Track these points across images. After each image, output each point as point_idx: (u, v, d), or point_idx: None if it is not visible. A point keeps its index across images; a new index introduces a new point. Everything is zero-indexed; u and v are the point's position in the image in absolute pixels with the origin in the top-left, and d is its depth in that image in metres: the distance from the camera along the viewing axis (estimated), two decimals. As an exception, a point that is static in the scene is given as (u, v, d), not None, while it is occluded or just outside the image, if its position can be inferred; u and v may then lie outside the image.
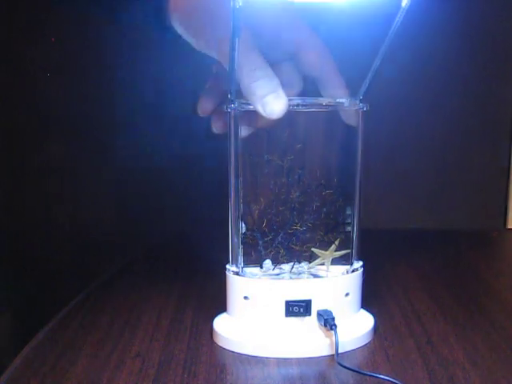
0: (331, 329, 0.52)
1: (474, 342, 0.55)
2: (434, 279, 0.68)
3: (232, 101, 0.52)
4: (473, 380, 0.49)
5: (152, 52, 0.94)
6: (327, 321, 0.52)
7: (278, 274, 0.56)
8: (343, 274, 0.56)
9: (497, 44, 0.95)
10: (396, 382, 0.46)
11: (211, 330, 0.56)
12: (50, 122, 0.98)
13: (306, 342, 0.53)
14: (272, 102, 0.47)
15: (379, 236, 0.82)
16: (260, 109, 0.48)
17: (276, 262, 0.56)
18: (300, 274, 0.56)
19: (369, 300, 0.63)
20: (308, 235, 0.55)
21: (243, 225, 0.55)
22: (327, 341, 0.53)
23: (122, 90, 0.96)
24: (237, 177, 0.54)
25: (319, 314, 0.53)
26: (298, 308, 0.53)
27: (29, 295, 1.05)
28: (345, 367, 0.49)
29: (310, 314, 0.54)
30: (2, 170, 1.00)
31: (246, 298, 0.54)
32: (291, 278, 0.55)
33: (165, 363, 0.52)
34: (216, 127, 0.56)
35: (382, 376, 0.47)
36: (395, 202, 1.01)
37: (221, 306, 0.57)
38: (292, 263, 0.56)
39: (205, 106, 0.56)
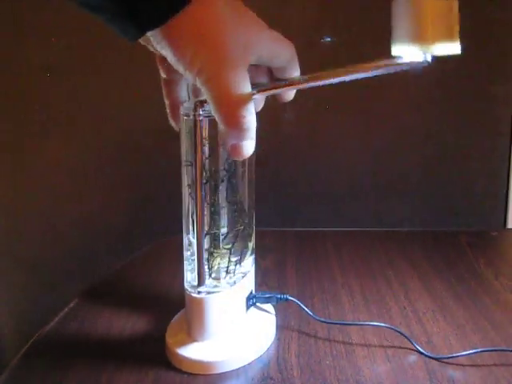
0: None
1: (473, 341, 0.55)
2: (434, 279, 0.68)
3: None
4: (473, 380, 0.49)
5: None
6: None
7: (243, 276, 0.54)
8: (252, 264, 0.56)
9: (497, 44, 0.95)
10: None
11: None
12: (49, 122, 0.98)
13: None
14: (250, 147, 0.44)
15: (379, 236, 0.82)
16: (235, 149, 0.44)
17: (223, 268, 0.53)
18: (236, 273, 0.54)
19: (369, 300, 0.63)
20: (246, 233, 0.54)
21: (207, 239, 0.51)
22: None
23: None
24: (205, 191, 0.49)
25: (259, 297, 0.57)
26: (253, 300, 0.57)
27: (29, 295, 1.05)
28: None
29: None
30: (3, 170, 1.00)
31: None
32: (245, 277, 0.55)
33: (165, 363, 0.52)
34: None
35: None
36: (395, 203, 1.01)
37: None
38: (235, 264, 0.54)
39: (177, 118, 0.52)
